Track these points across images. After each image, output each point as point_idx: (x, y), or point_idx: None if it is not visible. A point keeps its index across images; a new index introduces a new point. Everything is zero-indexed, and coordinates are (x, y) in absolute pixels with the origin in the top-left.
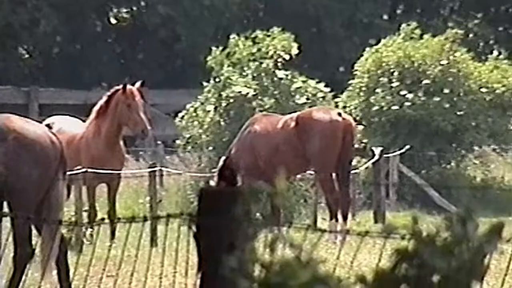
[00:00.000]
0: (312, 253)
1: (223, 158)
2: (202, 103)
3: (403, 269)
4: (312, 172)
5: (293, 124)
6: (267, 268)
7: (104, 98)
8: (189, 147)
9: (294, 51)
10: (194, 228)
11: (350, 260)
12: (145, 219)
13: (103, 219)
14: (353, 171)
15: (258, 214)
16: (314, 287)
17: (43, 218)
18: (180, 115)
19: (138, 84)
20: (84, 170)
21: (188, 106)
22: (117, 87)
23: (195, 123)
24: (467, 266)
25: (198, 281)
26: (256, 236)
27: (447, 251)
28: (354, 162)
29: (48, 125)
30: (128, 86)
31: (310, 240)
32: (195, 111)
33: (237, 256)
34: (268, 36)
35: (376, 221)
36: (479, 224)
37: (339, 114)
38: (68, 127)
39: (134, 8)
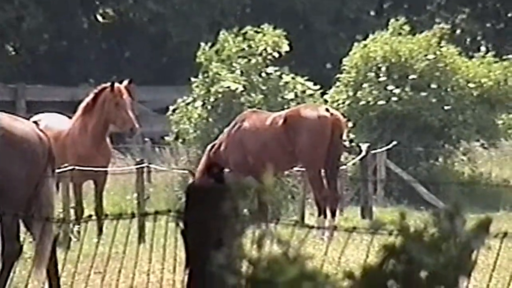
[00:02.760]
0: (299, 249)
1: (205, 154)
2: (194, 99)
3: (390, 265)
4: (299, 168)
5: (281, 121)
6: (255, 264)
7: (91, 95)
8: (178, 143)
9: (285, 48)
10: (181, 224)
11: (338, 256)
12: (132, 215)
13: (90, 216)
14: (340, 167)
15: (245, 210)
16: (301, 283)
17: (33, 215)
18: (171, 108)
19: (126, 82)
20: (71, 167)
21: (179, 101)
22: (104, 85)
23: (184, 118)
24: (455, 261)
25: (186, 278)
26: (244, 232)
27: (435, 247)
28: (341, 158)
29: (35, 122)
30: (116, 84)
31: (298, 236)
32: (186, 106)
33: (225, 252)
34: (258, 32)
35: (363, 217)
36: (467, 220)
37: (327, 110)
38: (54, 124)
39: (122, 5)
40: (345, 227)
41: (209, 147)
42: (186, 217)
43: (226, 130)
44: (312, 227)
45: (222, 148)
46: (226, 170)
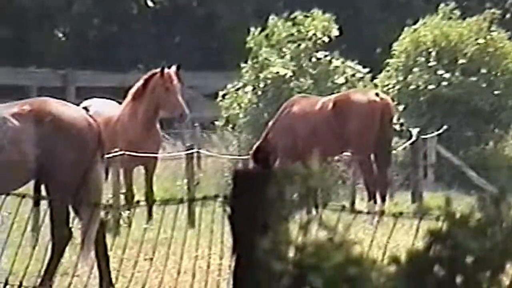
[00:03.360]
0: (345, 234)
1: (258, 142)
2: (244, 84)
3: (436, 250)
4: (350, 153)
5: (331, 105)
6: (301, 249)
7: (141, 81)
8: (228, 128)
9: (334, 32)
10: (228, 210)
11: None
12: (180, 201)
13: (138, 201)
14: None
15: (292, 196)
16: (347, 268)
17: (82, 201)
18: (221, 94)
19: (175, 67)
20: (121, 152)
21: (229, 86)
22: (154, 70)
23: (234, 104)
24: (500, 247)
25: (233, 263)
26: (290, 218)
27: (480, 232)
28: (392, 143)
29: (85, 108)
30: (166, 70)
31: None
32: (236, 91)
33: (270, 237)
34: (308, 17)
35: (414, 202)
36: None
37: (377, 95)
38: (104, 109)
39: None
40: (393, 212)
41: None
42: (233, 202)
43: (275, 116)
44: (359, 212)
45: (271, 133)
46: (274, 157)
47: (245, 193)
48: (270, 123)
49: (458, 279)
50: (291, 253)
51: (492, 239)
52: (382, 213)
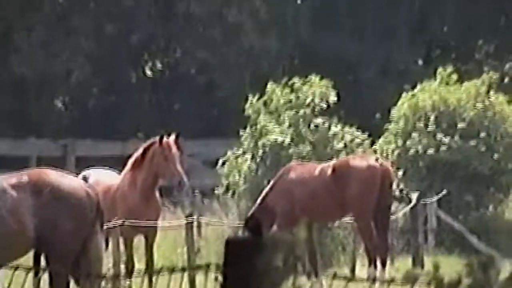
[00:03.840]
0: None
1: (252, 209)
2: (243, 151)
3: None
4: (349, 219)
5: (330, 171)
6: None
7: (140, 150)
8: (228, 195)
9: (332, 98)
10: (220, 278)
11: None
12: (173, 270)
13: (139, 271)
14: (391, 217)
15: (280, 264)
16: None
17: (82, 271)
18: (220, 161)
19: (173, 135)
20: (121, 222)
21: (229, 153)
22: (153, 139)
23: (234, 171)
24: None
25: None
26: (280, 285)
27: None
28: (391, 208)
29: (84, 178)
30: (165, 138)
31: None
32: (235, 158)
33: None
34: (306, 83)
35: (414, 267)
36: (501, 270)
37: (377, 160)
38: (104, 179)
39: (170, 58)
40: (385, 279)
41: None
42: (224, 270)
43: (271, 182)
44: (350, 279)
45: (268, 199)
46: (271, 222)
47: (236, 261)
48: (266, 189)
49: None
50: None
51: None
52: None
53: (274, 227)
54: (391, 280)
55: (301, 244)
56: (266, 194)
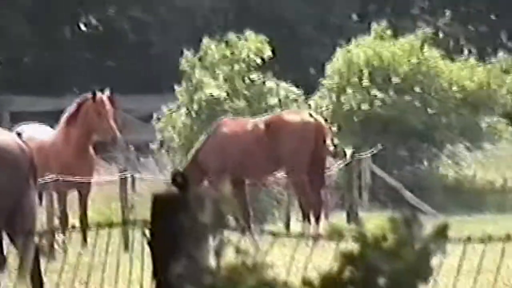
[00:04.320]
0: (257, 257)
1: (182, 165)
2: (178, 107)
3: (349, 272)
4: (284, 174)
5: (263, 126)
6: (214, 273)
7: (74, 105)
8: (163, 150)
9: (268, 54)
10: (148, 234)
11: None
12: (98, 226)
13: (74, 226)
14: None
15: (204, 221)
16: None
17: (16, 227)
18: (155, 116)
19: (107, 91)
20: (55, 177)
21: (164, 109)
22: (86, 95)
23: (169, 126)
24: (413, 268)
25: None
26: (203, 242)
27: (393, 254)
28: (326, 164)
29: (18, 133)
30: (98, 94)
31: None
32: (170, 114)
33: (184, 263)
34: (241, 39)
35: (349, 222)
36: (423, 225)
37: (311, 115)
38: (38, 134)
39: (104, 14)
40: (313, 235)
41: (190, 156)
42: (151, 227)
43: (202, 138)
44: (277, 234)
45: (200, 156)
46: (201, 178)
47: (163, 218)
48: (198, 145)
49: None
50: (206, 278)
51: (405, 260)
52: (300, 235)
53: (205, 183)
54: (318, 235)
55: (230, 200)
56: (198, 150)
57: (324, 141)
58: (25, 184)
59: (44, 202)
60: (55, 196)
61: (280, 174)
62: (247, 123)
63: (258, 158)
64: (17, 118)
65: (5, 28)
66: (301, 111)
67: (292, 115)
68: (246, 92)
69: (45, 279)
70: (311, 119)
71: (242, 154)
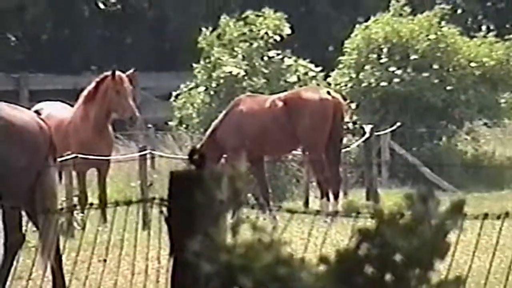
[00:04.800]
0: (274, 234)
1: (200, 142)
2: (196, 84)
3: (365, 249)
4: (301, 152)
5: (281, 103)
6: (230, 251)
7: (93, 84)
8: (182, 128)
9: (286, 31)
10: (165, 212)
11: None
12: (116, 204)
13: (91, 204)
14: (344, 150)
15: (223, 198)
16: (276, 268)
17: (36, 205)
18: (174, 94)
19: (129, 70)
20: (73, 155)
21: (182, 86)
22: (106, 73)
23: (187, 104)
24: (429, 244)
25: (171, 266)
26: (220, 220)
27: (409, 230)
28: (345, 141)
29: (37, 111)
30: (117, 72)
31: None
32: (189, 91)
33: (200, 240)
34: (260, 16)
35: (368, 199)
36: (440, 201)
37: (328, 93)
38: (57, 112)
39: None
40: (327, 212)
41: (207, 133)
42: (169, 204)
43: (220, 115)
44: (295, 212)
45: (218, 133)
46: (219, 156)
47: (180, 195)
48: (215, 122)
49: (387, 278)
50: (222, 255)
51: (421, 236)
52: (317, 212)
53: (223, 161)
54: (336, 212)
55: (246, 177)
56: (215, 128)
57: (342, 119)
58: (45, 163)
59: (63, 180)
60: (74, 174)
61: (299, 152)
62: (265, 100)
63: (276, 136)
64: (35, 96)
65: (23, 6)
66: (319, 88)
67: (310, 93)
68: (264, 69)
69: (64, 257)
70: (329, 97)
71: (259, 132)
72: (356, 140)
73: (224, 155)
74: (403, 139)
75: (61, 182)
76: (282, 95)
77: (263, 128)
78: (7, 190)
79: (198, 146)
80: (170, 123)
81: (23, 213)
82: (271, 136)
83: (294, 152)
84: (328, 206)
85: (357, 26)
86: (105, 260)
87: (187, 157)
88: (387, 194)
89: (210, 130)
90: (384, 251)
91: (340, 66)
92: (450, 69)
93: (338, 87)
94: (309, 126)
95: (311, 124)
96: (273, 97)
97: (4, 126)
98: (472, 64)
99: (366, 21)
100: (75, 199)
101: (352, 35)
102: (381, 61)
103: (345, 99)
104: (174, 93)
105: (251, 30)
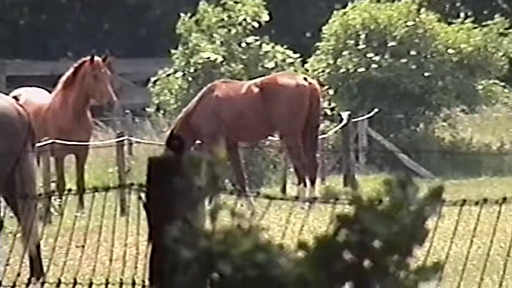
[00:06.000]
0: (253, 221)
1: (171, 127)
2: (174, 70)
3: (343, 235)
4: (278, 138)
5: (257, 89)
6: (209, 237)
7: (71, 69)
8: (160, 114)
9: (264, 17)
10: (144, 198)
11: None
12: (95, 190)
13: (70, 189)
14: (321, 136)
15: (201, 184)
16: (255, 254)
17: (15, 191)
18: (152, 80)
19: (106, 56)
20: (51, 141)
21: (160, 72)
22: (84, 59)
23: (165, 90)
24: (408, 230)
25: (149, 251)
26: (198, 206)
27: (387, 216)
28: (322, 127)
29: (15, 97)
30: (95, 58)
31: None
32: (167, 77)
33: (179, 226)
34: (238, 2)
35: (345, 185)
36: (419, 188)
37: (305, 79)
38: (35, 98)
39: None
40: (306, 199)
41: (177, 119)
42: (147, 190)
43: (193, 101)
44: (273, 198)
45: (192, 119)
46: (198, 141)
47: (158, 181)
48: (189, 108)
49: (366, 264)
50: (200, 241)
51: (399, 223)
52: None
53: (197, 146)
54: (314, 198)
55: (224, 163)
56: (189, 113)
57: (318, 105)
58: (23, 149)
59: (41, 166)
60: (52, 160)
61: (276, 138)
62: (241, 86)
63: (252, 121)
64: (13, 82)
65: None
66: (295, 74)
67: (286, 78)
68: (242, 55)
69: (42, 242)
70: (305, 82)
71: (235, 117)
72: (334, 127)
73: (198, 141)
74: (381, 126)
75: (39, 168)
76: (258, 80)
77: (239, 114)
78: None
79: (169, 130)
80: (148, 109)
81: (1, 198)
82: (247, 122)
83: (271, 138)
84: (305, 192)
85: (335, 12)
86: (83, 246)
87: (164, 143)
88: (364, 180)
89: (182, 115)
90: (362, 237)
91: (318, 52)
92: (428, 56)
93: (315, 73)
94: (285, 112)
95: (288, 110)
96: (249, 82)
97: None
98: (450, 51)
99: (344, 7)
100: (53, 185)
101: (330, 21)
102: (359, 47)
103: (322, 85)
104: (152, 79)
105: (229, 16)
